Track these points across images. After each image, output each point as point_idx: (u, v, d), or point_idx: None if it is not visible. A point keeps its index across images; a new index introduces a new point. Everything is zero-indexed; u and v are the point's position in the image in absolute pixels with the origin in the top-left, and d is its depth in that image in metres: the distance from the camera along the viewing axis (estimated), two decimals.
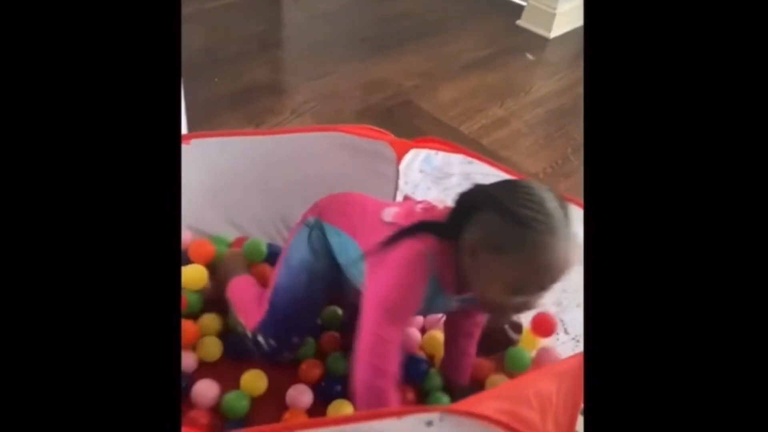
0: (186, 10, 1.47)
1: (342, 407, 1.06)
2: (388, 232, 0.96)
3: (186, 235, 1.33)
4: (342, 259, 1.08)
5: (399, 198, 1.43)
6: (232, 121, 1.95)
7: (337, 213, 1.10)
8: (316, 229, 1.10)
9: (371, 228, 1.02)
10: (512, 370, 1.20)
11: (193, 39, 1.52)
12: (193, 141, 1.28)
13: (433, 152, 1.39)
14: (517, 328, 1.24)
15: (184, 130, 1.58)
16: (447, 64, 2.44)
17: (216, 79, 2.14)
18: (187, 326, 1.14)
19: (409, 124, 2.07)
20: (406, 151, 1.39)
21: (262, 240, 1.36)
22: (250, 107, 2.04)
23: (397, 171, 1.40)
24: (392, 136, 1.42)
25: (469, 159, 1.37)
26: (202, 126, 1.73)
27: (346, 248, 1.06)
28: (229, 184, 1.36)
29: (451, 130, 2.05)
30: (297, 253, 1.10)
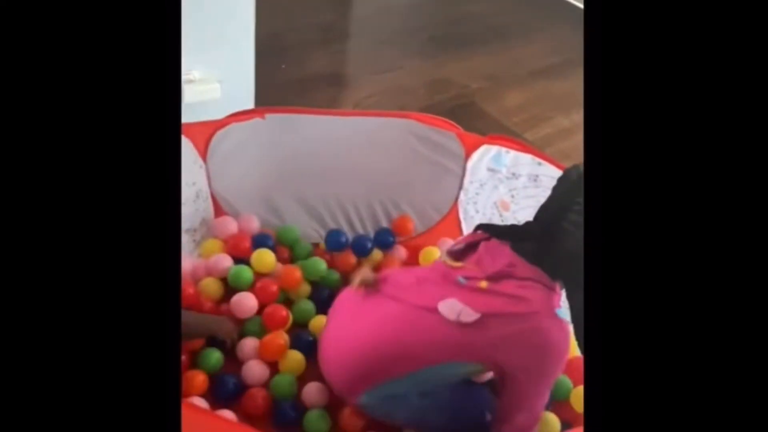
0: None
1: None
2: (479, 336, 0.87)
3: (253, 223, 1.33)
4: (440, 382, 0.94)
5: (462, 197, 1.41)
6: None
7: (382, 368, 0.92)
8: (383, 396, 0.94)
9: (442, 341, 0.89)
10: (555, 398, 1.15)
11: (263, 23, 1.51)
12: (267, 116, 1.31)
13: (503, 150, 1.38)
14: None
15: None
16: (514, 69, 2.39)
17: (283, 66, 2.14)
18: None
19: (471, 126, 2.01)
20: (475, 148, 1.38)
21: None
22: (314, 97, 2.03)
23: (464, 168, 1.38)
24: (461, 128, 1.41)
25: (539, 160, 1.35)
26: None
27: (437, 374, 0.92)
28: (299, 165, 1.37)
29: (515, 136, 2.00)
30: (399, 415, 0.97)
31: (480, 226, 0.99)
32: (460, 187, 1.40)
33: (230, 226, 1.30)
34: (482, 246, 0.95)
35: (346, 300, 1.02)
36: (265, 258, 1.23)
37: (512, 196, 1.38)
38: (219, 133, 1.28)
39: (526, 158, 1.37)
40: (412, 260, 1.35)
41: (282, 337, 1.13)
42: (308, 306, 1.22)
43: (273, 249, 1.28)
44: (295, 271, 1.23)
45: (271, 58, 2.14)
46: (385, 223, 1.42)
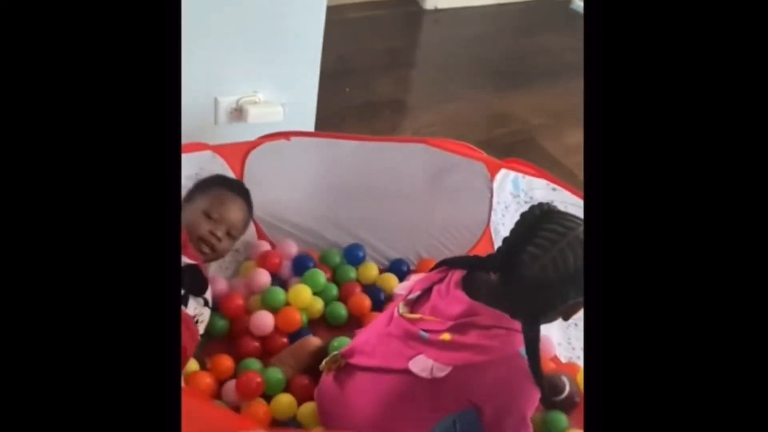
0: (328, 17, 1.50)
1: None
2: (455, 386, 0.88)
3: (291, 248, 1.38)
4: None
5: (493, 218, 1.43)
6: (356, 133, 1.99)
7: None
8: None
9: (423, 399, 0.91)
10: None
11: (330, 47, 1.55)
12: (293, 139, 1.35)
13: (520, 175, 1.39)
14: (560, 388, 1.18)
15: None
16: (578, 108, 2.35)
17: (347, 90, 2.18)
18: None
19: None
20: (497, 171, 1.39)
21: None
22: (375, 122, 2.06)
23: (491, 189, 1.40)
24: (484, 153, 1.43)
25: (553, 186, 1.35)
26: (327, 130, 1.77)
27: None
28: (330, 188, 1.42)
29: (571, 176, 1.98)
30: None
31: (442, 262, 1.00)
32: (491, 208, 1.41)
33: (265, 249, 1.36)
34: (434, 291, 0.96)
35: (326, 391, 1.03)
36: (301, 294, 1.27)
37: None
38: (252, 154, 1.34)
39: (540, 183, 1.37)
40: None
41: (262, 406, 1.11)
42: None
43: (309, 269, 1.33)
44: (295, 314, 1.25)
45: (336, 81, 2.19)
46: (418, 247, 1.45)
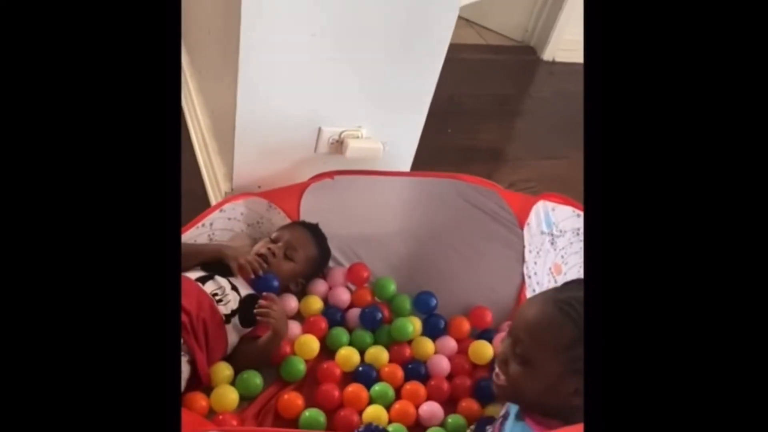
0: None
1: None
2: None
3: (338, 273, 1.40)
4: None
5: (525, 270, 1.41)
6: None
7: None
8: None
9: None
10: None
11: (441, 85, 1.55)
12: (336, 177, 1.43)
13: (550, 207, 1.38)
14: None
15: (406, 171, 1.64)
16: None
17: (449, 131, 2.19)
18: None
19: None
20: (528, 211, 1.40)
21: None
22: (471, 168, 2.05)
23: (522, 236, 1.40)
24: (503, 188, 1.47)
25: (578, 212, 1.33)
26: (422, 170, 1.77)
27: None
28: (377, 222, 1.48)
29: None
30: None
31: None
32: (523, 259, 1.40)
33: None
34: None
35: None
36: (380, 358, 1.27)
37: (562, 257, 1.35)
38: (306, 195, 1.42)
39: (567, 211, 1.34)
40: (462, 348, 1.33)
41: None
42: None
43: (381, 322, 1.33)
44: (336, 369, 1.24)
45: (440, 121, 2.18)
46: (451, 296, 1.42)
